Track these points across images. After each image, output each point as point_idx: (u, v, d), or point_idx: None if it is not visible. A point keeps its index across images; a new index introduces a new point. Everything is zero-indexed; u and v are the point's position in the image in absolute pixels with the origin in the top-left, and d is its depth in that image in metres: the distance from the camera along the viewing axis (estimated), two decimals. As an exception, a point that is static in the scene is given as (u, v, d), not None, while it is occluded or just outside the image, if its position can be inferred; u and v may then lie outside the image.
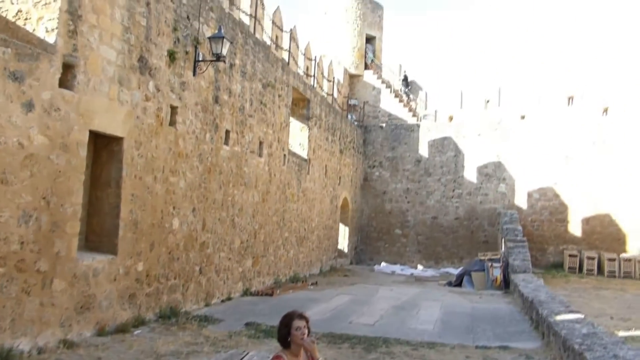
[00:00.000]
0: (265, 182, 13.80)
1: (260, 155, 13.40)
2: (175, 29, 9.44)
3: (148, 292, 8.80)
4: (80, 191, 7.22)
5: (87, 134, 7.32)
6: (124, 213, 8.11)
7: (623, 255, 19.77)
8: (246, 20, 13.20)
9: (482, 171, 22.62)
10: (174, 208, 9.53)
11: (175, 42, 9.45)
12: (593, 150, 21.09)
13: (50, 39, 6.72)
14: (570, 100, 23.45)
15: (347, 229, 22.50)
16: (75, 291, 7.13)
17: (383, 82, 26.06)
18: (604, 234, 20.67)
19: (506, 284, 15.92)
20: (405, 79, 27.70)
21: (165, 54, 9.16)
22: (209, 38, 10.17)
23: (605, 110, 21.67)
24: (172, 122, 9.47)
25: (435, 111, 25.44)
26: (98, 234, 8.02)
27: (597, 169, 20.96)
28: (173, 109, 9.48)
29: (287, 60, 15.87)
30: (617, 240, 20.47)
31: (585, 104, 22.17)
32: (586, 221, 20.97)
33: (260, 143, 13.39)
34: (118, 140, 8.05)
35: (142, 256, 8.63)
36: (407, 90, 27.13)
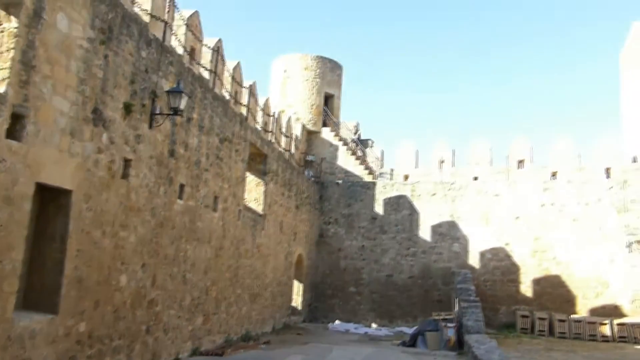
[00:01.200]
0: (219, 237, 13.53)
1: (214, 210, 13.18)
2: (132, 82, 9.35)
3: (90, 354, 8.31)
4: (21, 247, 6.86)
5: (33, 186, 7.02)
6: (68, 269, 7.73)
7: (573, 316, 20.07)
8: (206, 75, 13.25)
9: (437, 230, 22.88)
10: (122, 264, 9.17)
11: (132, 94, 9.34)
12: (542, 211, 21.72)
13: (0, 89, 6.51)
14: (521, 163, 24.27)
15: (301, 285, 22.18)
16: (8, 356, 6.65)
17: (340, 139, 26.42)
18: (554, 294, 21.02)
19: (460, 345, 15.84)
20: (359, 138, 28.11)
21: (121, 106, 9.02)
22: (167, 92, 10.11)
23: (554, 174, 22.49)
24: (125, 175, 9.24)
25: (392, 170, 25.87)
26: (38, 291, 7.59)
27: (546, 231, 21.54)
28: (127, 161, 9.27)
29: (245, 115, 15.92)
30: (567, 301, 20.85)
31: (534, 168, 22.98)
32: (537, 282, 21.32)
33: (215, 198, 13.20)
34: (66, 193, 7.76)
35: (85, 315, 8.19)
36: (361, 148, 27.53)
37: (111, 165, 8.78)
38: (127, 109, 9.16)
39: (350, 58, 69.40)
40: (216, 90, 13.53)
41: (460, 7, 71.29)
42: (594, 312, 20.39)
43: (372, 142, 27.39)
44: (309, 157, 25.57)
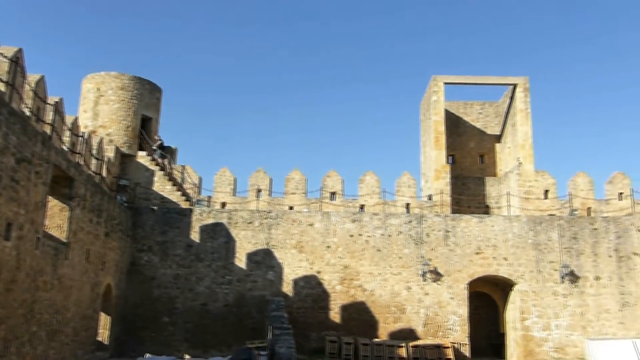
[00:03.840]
0: (11, 269, 12.14)
1: (7, 238, 11.83)
2: None
3: None
4: None
5: None
6: None
7: (375, 340, 21.53)
8: (1, 87, 11.99)
9: (253, 258, 23.08)
10: None
11: None
12: (351, 241, 23.13)
13: None
14: (333, 195, 25.63)
15: (109, 318, 20.74)
16: None
17: (157, 164, 25.55)
18: (360, 320, 22.38)
19: (271, 373, 15.99)
20: (161, 145, 26.60)
21: None
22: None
23: (362, 207, 24.13)
24: None
25: (209, 197, 25.62)
26: None
27: (354, 260, 22.95)
28: None
29: (49, 134, 14.66)
30: (371, 326, 22.31)
31: (345, 200, 24.42)
32: (345, 308, 22.52)
33: (9, 225, 11.87)
34: None
35: None
36: (167, 157, 26.38)
37: None
38: None
39: (170, 82, 68.03)
40: (13, 105, 12.29)
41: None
42: (393, 335, 22.09)
43: (192, 170, 26.81)
44: (122, 182, 24.28)
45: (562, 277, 22.77)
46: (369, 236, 23.28)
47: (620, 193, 27.31)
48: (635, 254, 23.09)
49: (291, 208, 25.72)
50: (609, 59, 76.49)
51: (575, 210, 26.58)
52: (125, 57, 66.53)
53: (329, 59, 77.89)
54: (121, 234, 21.55)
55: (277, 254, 23.10)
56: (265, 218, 23.51)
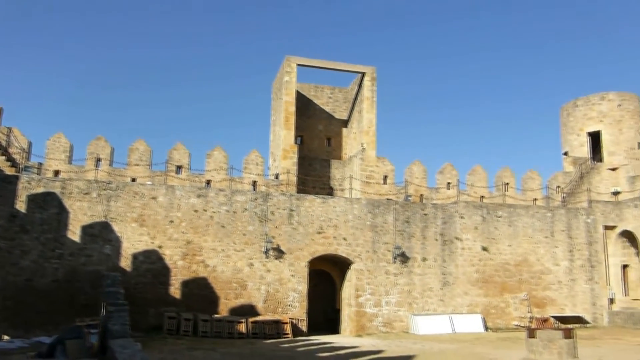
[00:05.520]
0: None
1: None
2: None
3: None
4: None
5: None
6: None
7: (215, 316, 21.43)
8: None
9: (88, 231, 21.64)
10: None
11: None
12: (195, 217, 22.66)
13: None
14: (179, 169, 24.89)
15: None
16: None
17: (-22, 124, 22.80)
18: (201, 296, 22.10)
19: (104, 351, 15.20)
20: None
21: None
22: None
23: (209, 182, 23.71)
24: None
25: (40, 164, 23.49)
26: None
27: (198, 235, 22.54)
28: None
29: None
30: (212, 302, 22.13)
31: (191, 175, 23.83)
32: (186, 284, 22.08)
33: None
34: None
35: None
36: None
37: None
38: None
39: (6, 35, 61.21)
40: None
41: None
42: (234, 311, 22.17)
43: (0, 109, 23.91)
44: None
45: (394, 258, 24.46)
46: (214, 212, 23.00)
47: (449, 183, 29.97)
48: (457, 238, 25.55)
49: (134, 180, 24.55)
50: (454, 56, 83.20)
51: (410, 196, 28.66)
52: None
53: (184, 30, 75.17)
54: None
55: (116, 227, 21.91)
56: (105, 189, 22.14)
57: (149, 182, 24.02)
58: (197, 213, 22.84)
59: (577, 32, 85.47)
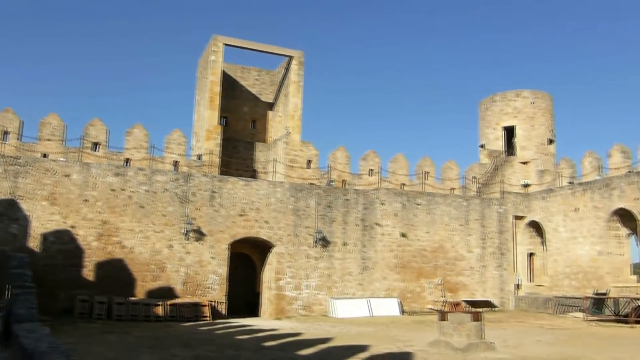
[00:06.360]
0: None
1: None
2: None
3: None
4: None
5: None
6: None
7: (131, 299, 20.79)
8: None
9: (-7, 209, 20.32)
10: None
11: None
12: (112, 196, 21.80)
13: None
14: (96, 146, 23.80)
15: None
16: None
17: None
18: (117, 278, 21.34)
19: (7, 337, 14.38)
20: None
21: None
22: None
23: (128, 161, 22.82)
24: None
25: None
26: None
27: (115, 215, 21.71)
28: None
29: None
30: (128, 284, 21.44)
31: (109, 152, 22.86)
32: (101, 266, 21.24)
33: None
34: None
35: None
36: None
37: None
38: None
39: None
40: None
41: None
42: (152, 294, 21.60)
43: None
44: None
45: (315, 242, 24.66)
46: (133, 192, 22.22)
47: (371, 169, 30.48)
48: (377, 224, 26.09)
49: (45, 156, 23.26)
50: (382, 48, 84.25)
51: (332, 181, 28.93)
52: None
53: (110, 1, 71.68)
54: None
55: (24, 205, 20.69)
56: (12, 164, 20.82)
57: (62, 159, 22.82)
58: (115, 192, 21.98)
59: (498, 30, 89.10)
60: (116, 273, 21.41)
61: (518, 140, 34.67)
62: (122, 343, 14.29)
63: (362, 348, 13.50)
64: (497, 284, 28.12)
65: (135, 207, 22.13)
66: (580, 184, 27.00)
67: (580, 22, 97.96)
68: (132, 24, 75.70)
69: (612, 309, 23.05)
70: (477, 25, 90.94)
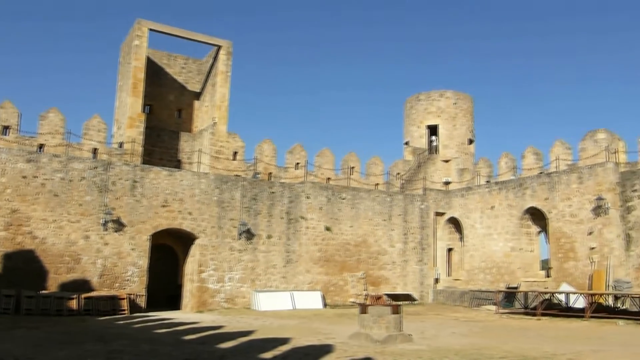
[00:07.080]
0: None
1: None
2: None
3: None
4: None
5: None
6: None
7: (42, 292, 19.77)
8: None
9: None
10: None
11: None
12: (22, 183, 20.63)
13: None
14: (7, 129, 22.43)
15: None
16: None
17: None
18: (27, 270, 20.21)
19: None
20: None
21: None
22: None
23: (41, 147, 21.60)
24: None
25: None
26: None
27: (26, 204, 20.57)
28: None
29: None
30: (40, 276, 20.37)
31: (20, 137, 21.60)
32: (9, 257, 20.05)
33: None
34: None
35: None
36: None
37: None
38: None
39: None
40: None
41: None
42: (65, 287, 20.63)
43: None
44: None
45: (240, 234, 24.41)
46: (46, 179, 21.10)
47: (297, 163, 30.51)
48: (302, 217, 26.17)
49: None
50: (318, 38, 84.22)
51: (258, 173, 28.73)
52: None
53: None
54: None
55: None
56: None
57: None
58: (26, 179, 20.80)
59: (425, 31, 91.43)
60: (26, 265, 20.27)
61: (441, 139, 35.76)
62: (30, 338, 13.54)
63: (283, 341, 13.48)
64: (418, 278, 28.94)
65: (48, 195, 21.04)
66: (497, 183, 28.21)
67: (502, 23, 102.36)
68: (52, 1, 71.91)
69: (522, 302, 24.29)
70: (406, 22, 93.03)
